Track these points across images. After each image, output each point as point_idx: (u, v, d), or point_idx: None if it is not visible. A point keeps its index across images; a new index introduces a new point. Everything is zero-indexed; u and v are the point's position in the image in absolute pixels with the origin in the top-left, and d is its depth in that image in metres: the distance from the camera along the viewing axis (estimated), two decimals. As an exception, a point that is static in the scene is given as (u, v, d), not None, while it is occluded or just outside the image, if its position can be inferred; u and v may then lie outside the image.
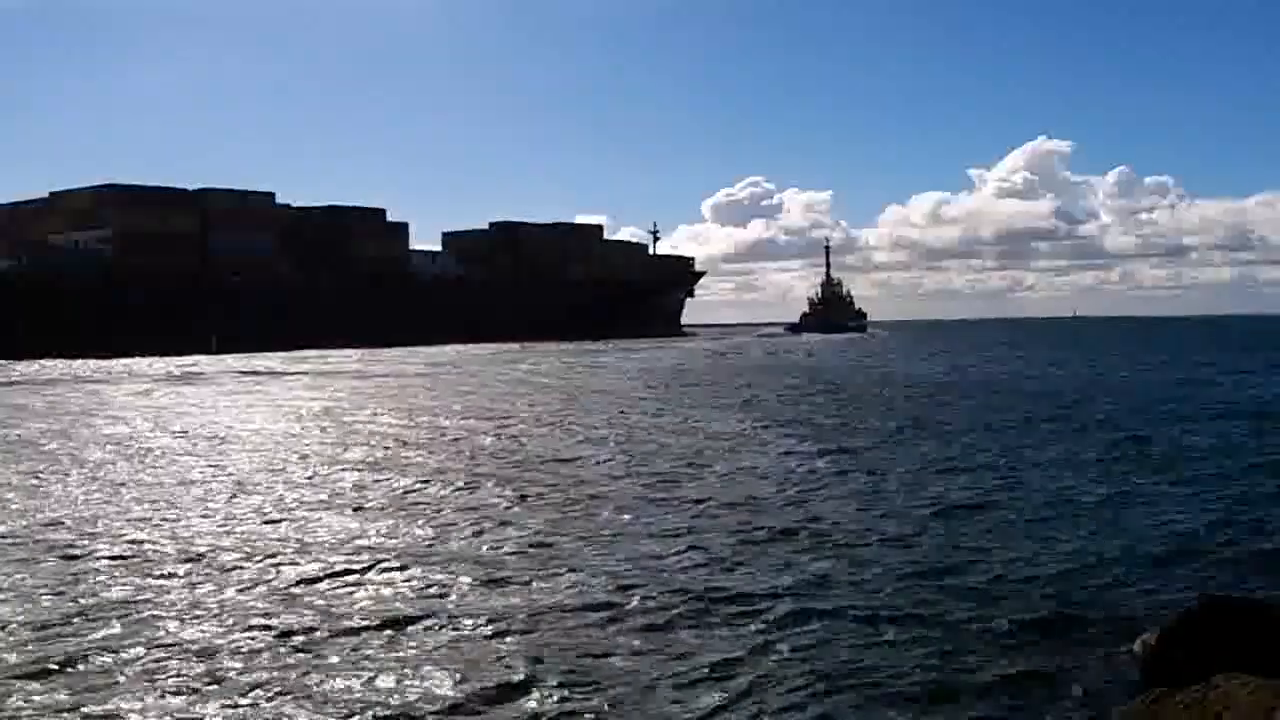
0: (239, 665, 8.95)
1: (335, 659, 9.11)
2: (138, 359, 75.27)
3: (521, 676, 8.61)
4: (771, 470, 20.15)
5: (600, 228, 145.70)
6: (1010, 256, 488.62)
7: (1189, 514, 15.31)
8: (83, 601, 10.88)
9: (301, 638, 9.66)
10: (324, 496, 17.46)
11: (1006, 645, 9.50)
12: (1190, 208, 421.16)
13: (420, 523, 15.04)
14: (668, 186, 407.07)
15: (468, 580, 11.61)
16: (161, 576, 11.86)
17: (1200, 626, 7.85)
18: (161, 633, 9.78)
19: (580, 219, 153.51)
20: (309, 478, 19.67)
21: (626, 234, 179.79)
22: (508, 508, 16.29)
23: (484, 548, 13.40)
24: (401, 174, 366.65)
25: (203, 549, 13.27)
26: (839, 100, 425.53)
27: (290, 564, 12.57)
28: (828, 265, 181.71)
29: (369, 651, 9.28)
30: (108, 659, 9.08)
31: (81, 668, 8.91)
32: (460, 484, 18.40)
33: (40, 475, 20.12)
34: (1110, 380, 47.56)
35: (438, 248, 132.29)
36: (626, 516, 15.38)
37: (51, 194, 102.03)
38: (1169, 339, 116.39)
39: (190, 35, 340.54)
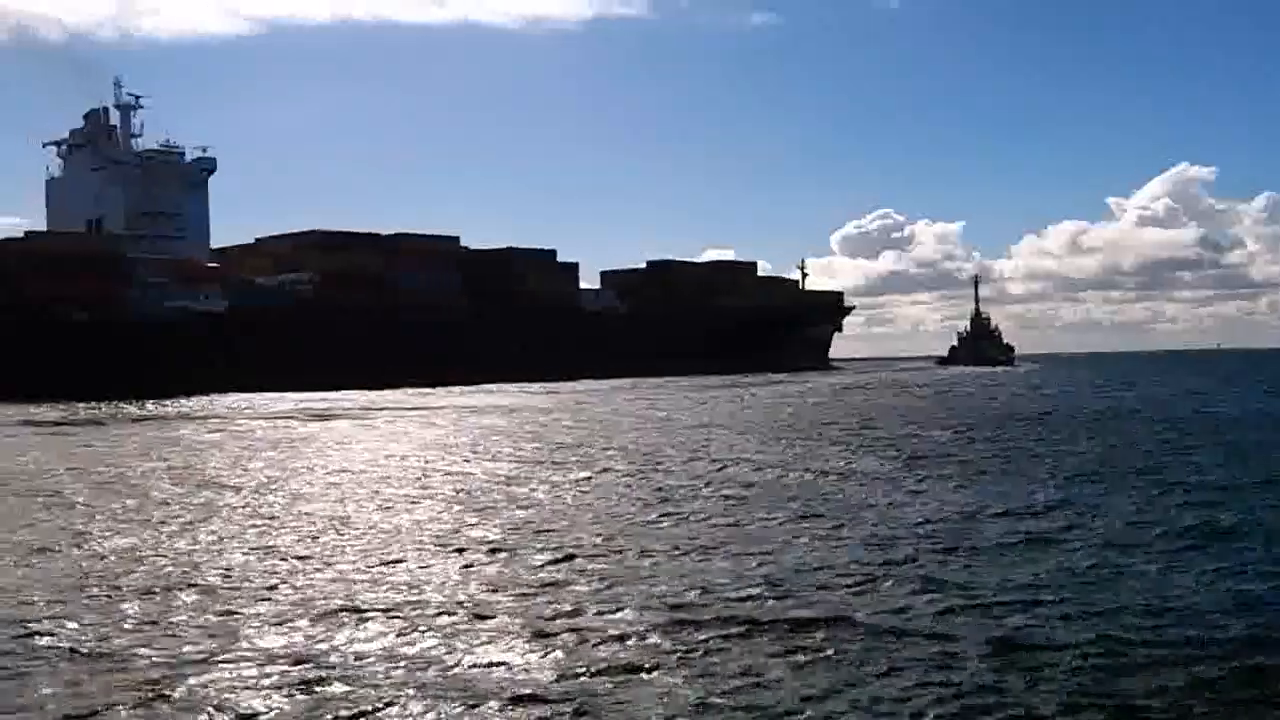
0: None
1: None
2: (337, 393, 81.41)
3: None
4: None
5: (753, 265, 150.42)
6: (1151, 287, 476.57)
7: None
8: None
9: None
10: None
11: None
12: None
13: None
14: (796, 219, 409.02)
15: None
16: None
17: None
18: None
19: (710, 253, 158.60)
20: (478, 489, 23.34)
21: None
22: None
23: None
24: (553, 213, 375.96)
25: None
26: (970, 129, 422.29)
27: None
28: (976, 299, 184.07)
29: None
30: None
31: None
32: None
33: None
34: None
35: (596, 285, 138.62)
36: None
37: (257, 239, 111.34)
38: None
39: (381, 93, 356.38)
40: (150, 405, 67.66)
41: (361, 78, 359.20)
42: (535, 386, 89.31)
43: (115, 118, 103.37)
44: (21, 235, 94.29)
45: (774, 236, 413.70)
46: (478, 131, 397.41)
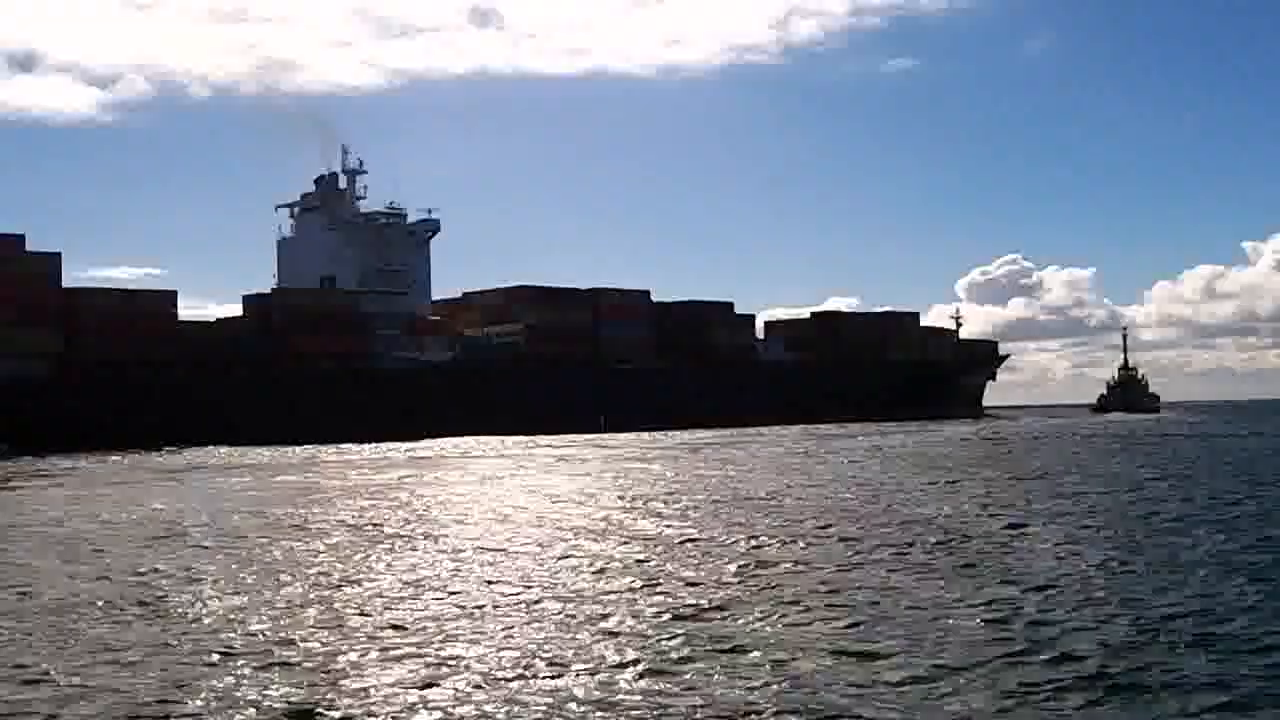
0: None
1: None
2: (553, 436, 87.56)
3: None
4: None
5: (916, 315, 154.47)
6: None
7: None
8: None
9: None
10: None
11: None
12: None
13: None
14: (921, 266, 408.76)
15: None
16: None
17: None
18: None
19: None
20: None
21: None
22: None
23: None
24: (693, 261, 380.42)
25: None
26: (1103, 174, 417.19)
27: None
28: (1125, 348, 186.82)
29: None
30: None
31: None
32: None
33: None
34: None
35: (759, 335, 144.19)
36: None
37: (465, 293, 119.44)
38: None
39: (523, 144, 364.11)
40: (406, 446, 75.59)
41: (503, 129, 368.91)
42: (710, 433, 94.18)
43: (343, 181, 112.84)
44: (269, 291, 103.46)
45: (898, 283, 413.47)
46: (621, 180, 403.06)
